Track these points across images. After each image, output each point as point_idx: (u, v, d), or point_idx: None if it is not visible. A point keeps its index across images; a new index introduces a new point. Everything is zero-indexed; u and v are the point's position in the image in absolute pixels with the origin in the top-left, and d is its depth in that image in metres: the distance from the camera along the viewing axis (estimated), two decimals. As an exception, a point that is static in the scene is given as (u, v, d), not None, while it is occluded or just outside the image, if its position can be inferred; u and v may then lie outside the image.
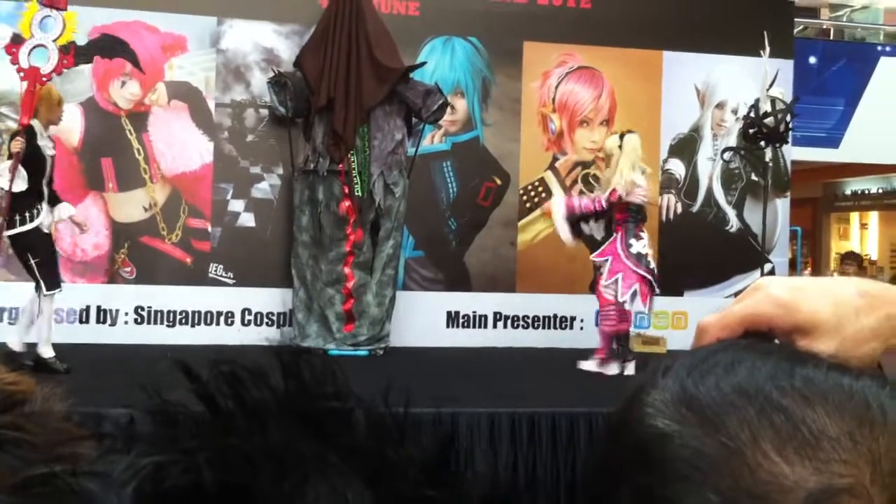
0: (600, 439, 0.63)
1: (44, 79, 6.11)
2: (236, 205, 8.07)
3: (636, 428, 0.58)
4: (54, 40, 6.15)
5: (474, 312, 8.33)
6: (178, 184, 8.00)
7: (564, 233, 7.01)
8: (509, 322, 8.27)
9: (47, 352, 5.91)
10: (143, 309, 7.76)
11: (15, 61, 6.10)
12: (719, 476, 0.53)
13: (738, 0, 8.96)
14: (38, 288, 5.86)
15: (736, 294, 8.40)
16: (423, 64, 8.01)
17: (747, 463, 0.53)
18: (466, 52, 8.58)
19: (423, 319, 8.08)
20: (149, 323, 7.76)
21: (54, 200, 6.12)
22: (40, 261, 5.86)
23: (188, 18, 8.04)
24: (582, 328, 8.14)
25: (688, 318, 8.47)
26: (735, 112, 8.90)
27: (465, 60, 8.58)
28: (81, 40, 7.40)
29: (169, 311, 7.81)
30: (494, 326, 8.33)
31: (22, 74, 6.08)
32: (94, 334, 7.48)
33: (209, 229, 8.00)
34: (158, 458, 0.43)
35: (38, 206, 5.92)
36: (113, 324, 7.67)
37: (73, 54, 6.22)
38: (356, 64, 7.59)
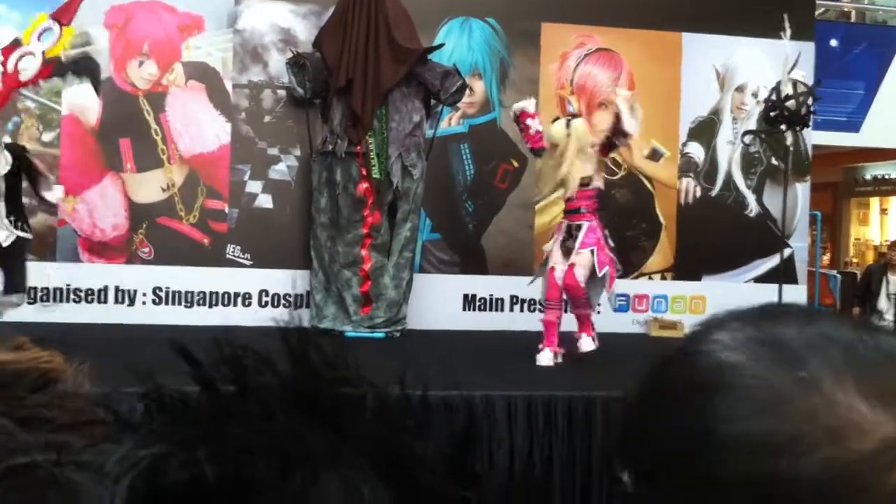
0: (649, 375, 0.61)
1: (21, 85, 6.27)
2: (254, 186, 8.07)
3: (699, 359, 0.58)
4: (44, 51, 6.24)
5: (491, 296, 8.32)
6: (196, 165, 8.00)
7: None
8: (526, 305, 8.24)
9: None
10: (160, 289, 7.78)
11: (4, 64, 6.18)
12: (792, 408, 0.53)
13: (759, -19, 8.87)
14: None
15: (755, 279, 8.32)
16: (441, 45, 7.96)
17: (827, 399, 0.53)
18: (484, 33, 8.53)
19: (440, 302, 8.07)
20: (166, 303, 7.78)
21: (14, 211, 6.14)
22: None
23: (205, -2, 8.03)
24: (599, 312, 8.10)
25: (706, 303, 8.43)
26: (755, 95, 8.82)
27: (482, 42, 8.53)
28: (92, 22, 7.53)
29: (186, 292, 7.83)
30: (511, 310, 8.31)
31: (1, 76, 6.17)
32: (113, 314, 7.51)
33: (226, 210, 8.01)
34: (155, 450, 0.41)
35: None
36: (131, 304, 7.71)
37: (52, 67, 6.35)
38: (374, 45, 7.55)
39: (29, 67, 6.21)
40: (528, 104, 6.75)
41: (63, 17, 6.35)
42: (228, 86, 8.09)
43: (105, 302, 7.66)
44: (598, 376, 5.79)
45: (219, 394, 0.44)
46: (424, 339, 7.45)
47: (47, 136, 7.77)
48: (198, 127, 8.01)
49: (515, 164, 8.48)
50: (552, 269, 6.42)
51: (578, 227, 6.40)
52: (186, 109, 7.99)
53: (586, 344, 6.37)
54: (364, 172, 7.56)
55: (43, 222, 7.55)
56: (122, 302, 7.69)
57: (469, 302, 8.31)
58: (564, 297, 6.43)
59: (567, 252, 6.37)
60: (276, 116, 8.15)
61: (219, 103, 8.06)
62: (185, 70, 8.03)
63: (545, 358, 6.36)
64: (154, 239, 7.85)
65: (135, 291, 7.72)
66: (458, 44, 8.42)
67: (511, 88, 8.49)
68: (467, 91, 8.03)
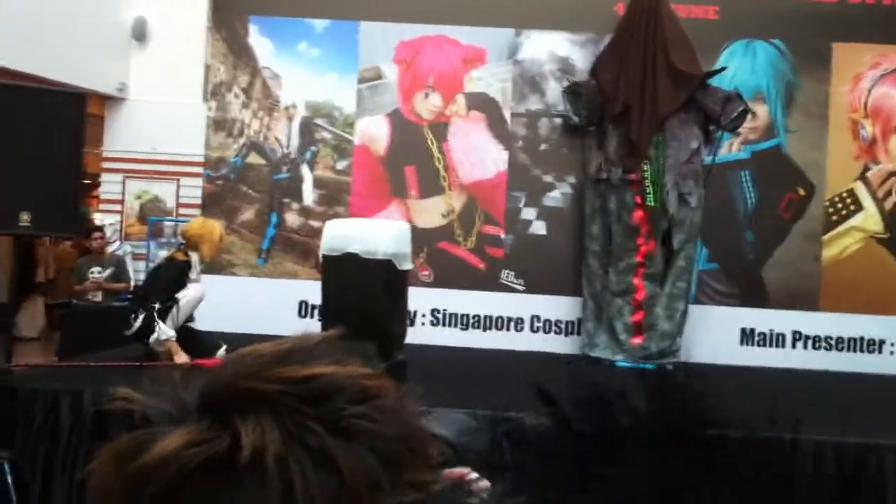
0: None
1: None
2: (528, 213, 8.22)
3: None
4: None
5: (771, 330, 7.91)
6: (475, 192, 8.27)
7: None
8: (810, 342, 7.77)
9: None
10: (438, 311, 8.10)
11: None
12: None
13: None
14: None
15: None
16: (722, 69, 7.71)
17: None
18: (769, 55, 8.17)
19: (716, 335, 7.79)
20: (443, 325, 8.09)
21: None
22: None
23: (488, 31, 8.28)
24: (892, 353, 7.50)
25: None
26: None
27: (767, 64, 8.17)
28: (383, 58, 7.94)
29: (462, 315, 8.10)
30: (793, 346, 7.86)
31: None
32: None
33: (502, 236, 8.20)
34: (527, 498, 0.41)
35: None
36: (411, 324, 8.08)
37: None
38: (652, 71, 7.45)
39: None
40: None
41: None
42: (507, 115, 8.30)
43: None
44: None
45: (581, 434, 0.44)
46: (697, 372, 7.21)
47: (341, 165, 8.34)
48: (477, 155, 8.27)
49: (802, 192, 8.04)
50: None
51: None
52: (467, 138, 8.29)
53: None
54: (639, 200, 7.46)
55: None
56: (404, 322, 8.08)
57: (747, 336, 7.96)
58: None
59: None
60: (552, 144, 8.26)
61: (497, 132, 8.29)
62: (466, 101, 8.33)
63: None
64: (434, 263, 8.20)
65: (415, 312, 8.08)
66: (741, 66, 8.12)
67: (798, 112, 8.08)
68: (749, 116, 7.73)
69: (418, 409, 0.71)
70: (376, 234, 3.10)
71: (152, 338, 5.73)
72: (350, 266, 2.99)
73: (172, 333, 5.79)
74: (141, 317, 5.81)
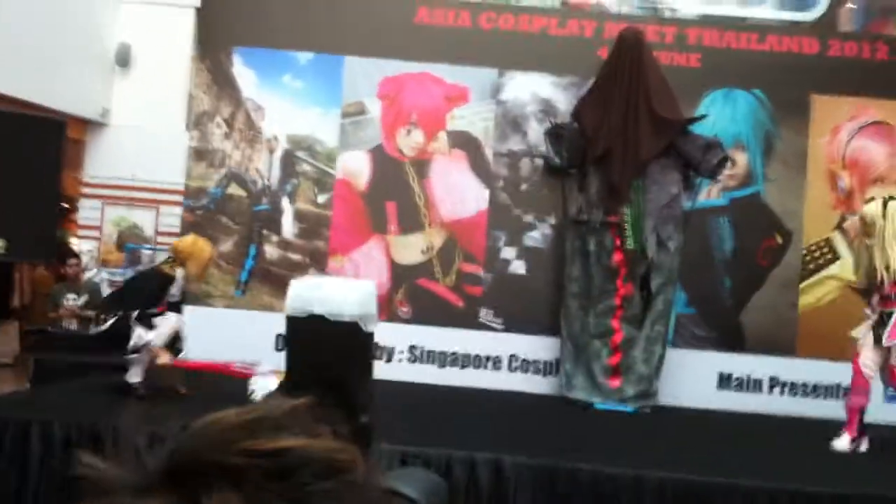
0: None
1: None
2: (508, 252, 8.23)
3: None
4: None
5: (748, 376, 7.95)
6: (455, 229, 8.27)
7: None
8: (787, 389, 7.81)
9: (133, 377, 5.84)
10: (415, 348, 8.06)
11: None
12: None
13: None
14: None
15: None
16: (703, 117, 7.81)
17: None
18: (749, 104, 8.29)
19: (694, 379, 7.80)
20: (421, 362, 8.04)
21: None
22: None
23: (471, 70, 8.34)
24: (868, 401, 7.53)
25: None
26: None
27: (747, 113, 8.29)
28: (367, 93, 7.97)
29: (440, 352, 8.06)
30: (770, 392, 7.89)
31: None
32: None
33: (482, 274, 8.20)
34: None
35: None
36: (389, 360, 8.03)
37: None
38: (634, 115, 7.54)
39: None
40: None
41: None
42: (489, 154, 8.34)
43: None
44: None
45: None
46: (675, 416, 7.23)
47: (321, 198, 8.32)
48: (459, 193, 8.29)
49: (779, 239, 8.12)
50: (857, 355, 6.08)
51: (890, 315, 5.97)
52: (449, 176, 8.31)
53: (840, 444, 5.96)
54: (618, 243, 7.51)
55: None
56: (381, 358, 8.02)
57: (724, 380, 7.99)
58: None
59: (878, 339, 5.99)
60: (533, 185, 8.30)
61: (479, 171, 8.32)
62: (449, 138, 8.36)
63: (841, 444, 6.01)
64: (412, 299, 8.16)
65: (393, 348, 8.03)
66: (722, 115, 8.22)
67: (776, 161, 8.19)
68: (729, 163, 7.83)
69: (383, 482, 0.71)
70: (342, 295, 3.09)
71: (130, 344, 5.67)
72: (315, 328, 2.98)
73: (151, 337, 5.73)
74: (111, 321, 5.75)
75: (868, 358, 6.01)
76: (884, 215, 5.89)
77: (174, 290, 5.95)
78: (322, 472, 0.65)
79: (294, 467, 0.64)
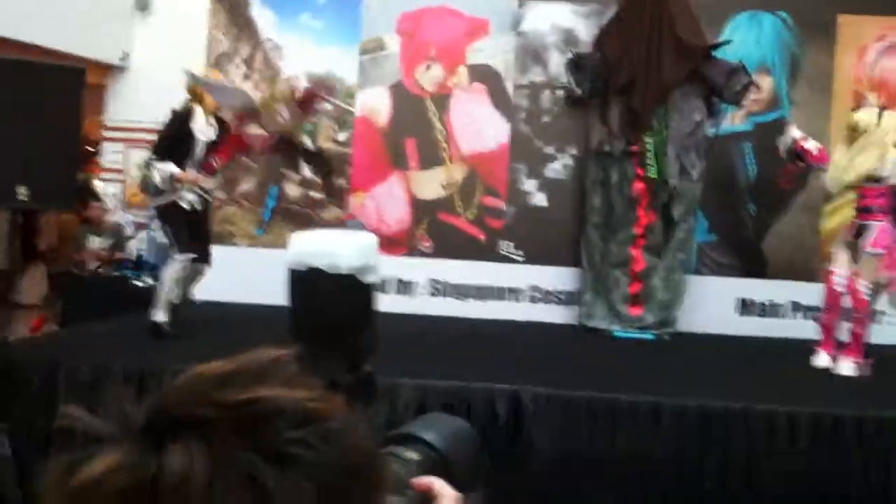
0: None
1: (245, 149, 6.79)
2: (529, 184, 8.19)
3: None
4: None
5: (770, 301, 7.88)
6: (476, 163, 8.24)
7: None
8: (809, 313, 7.73)
9: (159, 316, 6.00)
10: (437, 282, 8.11)
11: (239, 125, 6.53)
12: None
13: None
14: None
15: None
16: (727, 42, 7.65)
17: None
18: (775, 26, 8.09)
19: (715, 306, 7.77)
20: (442, 295, 8.10)
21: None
22: (173, 230, 6.08)
23: (491, 2, 8.23)
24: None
25: None
26: None
27: (772, 36, 8.09)
28: (385, 29, 7.93)
29: (461, 285, 8.10)
30: (793, 317, 7.83)
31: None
32: (394, 304, 7.88)
33: (503, 208, 8.19)
34: None
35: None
36: (411, 294, 8.10)
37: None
38: (657, 43, 7.43)
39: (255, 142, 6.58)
40: (795, 130, 6.40)
41: (304, 107, 6.87)
42: (509, 87, 8.26)
43: (388, 292, 8.06)
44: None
45: None
46: (695, 342, 7.22)
47: (342, 136, 8.34)
48: (479, 127, 8.25)
49: (803, 164, 7.96)
50: (831, 272, 6.07)
51: (866, 227, 5.96)
52: (469, 110, 8.26)
53: (846, 369, 5.93)
54: (640, 172, 7.46)
55: (332, 216, 8.13)
56: (404, 293, 8.09)
57: (746, 306, 7.93)
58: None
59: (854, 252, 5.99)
60: (554, 116, 8.22)
61: (500, 104, 8.25)
62: (469, 72, 8.30)
63: (822, 360, 6.07)
64: (434, 233, 8.19)
65: (415, 283, 8.09)
66: (746, 39, 8.03)
67: (802, 84, 8.02)
68: (753, 88, 7.68)
69: (370, 430, 0.70)
70: (340, 248, 3.14)
71: (156, 178, 5.92)
72: (314, 281, 3.04)
73: (174, 169, 5.93)
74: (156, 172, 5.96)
75: (840, 276, 6.00)
76: (878, 124, 5.83)
77: (196, 126, 6.11)
78: (295, 421, 0.64)
79: (265, 418, 0.64)
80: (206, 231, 6.42)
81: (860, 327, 5.96)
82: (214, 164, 6.27)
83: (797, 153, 6.48)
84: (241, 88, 7.28)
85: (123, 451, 0.63)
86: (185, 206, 6.08)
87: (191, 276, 6.23)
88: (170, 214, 6.09)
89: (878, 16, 7.94)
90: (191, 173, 6.07)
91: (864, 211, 6.03)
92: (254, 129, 6.46)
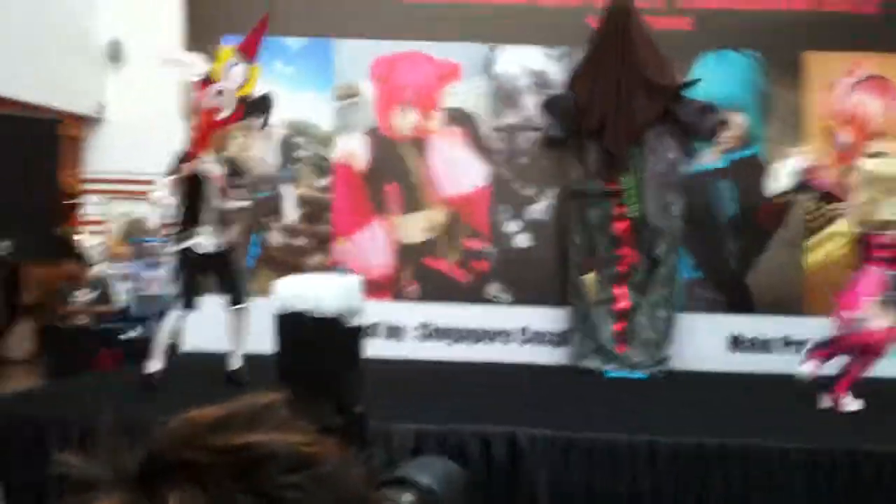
0: None
1: (219, 126, 6.28)
2: (512, 226, 8.22)
3: None
4: (236, 90, 6.24)
5: (761, 336, 7.95)
6: (457, 206, 8.25)
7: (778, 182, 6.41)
8: (800, 347, 7.83)
9: (153, 367, 5.92)
10: (426, 326, 8.07)
11: (200, 99, 6.25)
12: None
13: None
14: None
15: None
16: (696, 81, 7.79)
17: None
18: (743, 65, 8.28)
19: (705, 342, 7.83)
20: (432, 339, 8.05)
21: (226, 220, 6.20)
22: (184, 280, 6.03)
23: (462, 46, 8.30)
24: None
25: None
26: None
27: (741, 74, 8.26)
28: (359, 75, 7.87)
29: (450, 329, 8.07)
30: (785, 352, 7.90)
31: (200, 112, 6.27)
32: (384, 349, 7.81)
33: (487, 250, 8.20)
34: None
35: (191, 229, 6.08)
36: (399, 339, 8.04)
37: (243, 109, 6.30)
38: (627, 84, 7.54)
39: (224, 107, 6.21)
40: (801, 159, 6.41)
41: (247, 53, 6.39)
42: (485, 129, 8.31)
43: (378, 337, 7.97)
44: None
45: None
46: (689, 380, 7.26)
47: (321, 182, 8.28)
48: (458, 170, 8.27)
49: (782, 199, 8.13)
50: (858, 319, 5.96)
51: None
52: (447, 154, 8.29)
53: (852, 404, 5.99)
54: (620, 211, 7.53)
55: (317, 262, 8.05)
56: (392, 337, 8.02)
57: (737, 343, 7.98)
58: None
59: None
60: (532, 157, 8.27)
61: (477, 146, 8.29)
62: (444, 116, 8.33)
63: (807, 367, 6.09)
64: (420, 278, 8.16)
65: (404, 327, 8.04)
66: (715, 77, 8.19)
67: (774, 120, 8.20)
68: (725, 126, 7.84)
69: (364, 473, 0.71)
70: (323, 290, 3.17)
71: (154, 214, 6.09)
72: (299, 324, 3.07)
73: (165, 184, 6.00)
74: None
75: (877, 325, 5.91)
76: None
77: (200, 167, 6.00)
78: (288, 466, 0.65)
79: (259, 463, 0.64)
80: (231, 273, 6.32)
81: (864, 370, 6.01)
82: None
83: (803, 185, 6.42)
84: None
85: (119, 497, 0.63)
86: (198, 251, 6.01)
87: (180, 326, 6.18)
88: (184, 262, 6.02)
89: (846, 51, 8.15)
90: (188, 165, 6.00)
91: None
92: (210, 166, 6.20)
